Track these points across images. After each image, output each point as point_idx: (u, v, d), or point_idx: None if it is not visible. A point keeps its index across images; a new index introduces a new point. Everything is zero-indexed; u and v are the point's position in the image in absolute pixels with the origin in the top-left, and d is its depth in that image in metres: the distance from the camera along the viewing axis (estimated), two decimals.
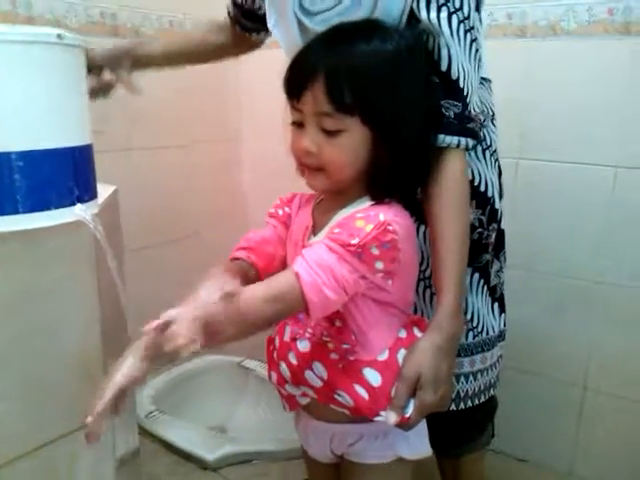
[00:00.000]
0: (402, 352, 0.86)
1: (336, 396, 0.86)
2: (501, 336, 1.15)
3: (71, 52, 0.76)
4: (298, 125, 0.82)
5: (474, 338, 1.08)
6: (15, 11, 1.35)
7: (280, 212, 0.97)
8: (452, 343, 0.87)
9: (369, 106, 0.77)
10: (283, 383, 0.93)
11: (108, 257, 0.78)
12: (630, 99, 1.42)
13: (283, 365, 0.91)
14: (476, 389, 1.10)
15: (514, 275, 1.57)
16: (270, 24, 1.00)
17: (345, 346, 0.85)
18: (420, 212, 0.95)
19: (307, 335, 0.88)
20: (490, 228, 1.08)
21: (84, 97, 0.80)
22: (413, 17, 0.87)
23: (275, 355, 0.93)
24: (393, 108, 0.79)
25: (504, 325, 1.15)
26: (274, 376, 0.95)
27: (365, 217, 0.78)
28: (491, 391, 1.14)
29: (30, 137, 0.72)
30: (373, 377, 0.84)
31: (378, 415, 0.84)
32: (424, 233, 1.01)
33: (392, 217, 0.78)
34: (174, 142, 1.78)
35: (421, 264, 1.02)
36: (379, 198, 0.84)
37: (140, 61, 1.19)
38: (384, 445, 0.91)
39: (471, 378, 1.09)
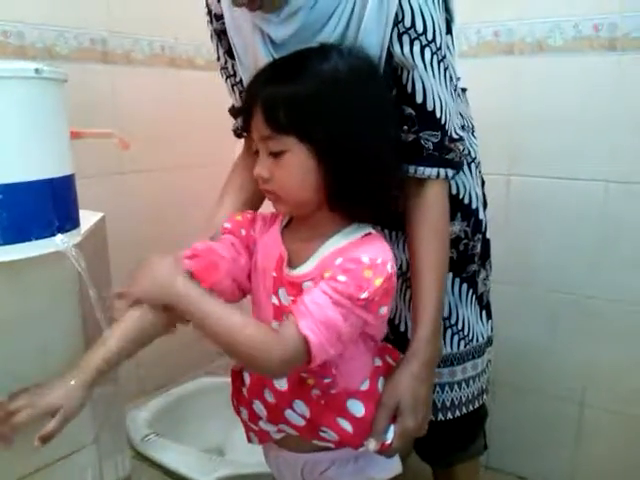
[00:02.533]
0: (382, 380, 0.87)
1: (320, 433, 0.85)
2: (489, 342, 1.17)
3: (50, 85, 0.77)
4: (256, 154, 0.83)
5: (465, 347, 1.10)
6: (6, 41, 1.37)
7: (243, 232, 0.90)
8: (429, 369, 0.89)
9: (301, 123, 0.77)
10: (256, 420, 0.90)
11: (89, 287, 0.78)
12: (617, 114, 1.42)
13: (257, 403, 0.88)
14: (469, 395, 1.12)
15: (508, 291, 1.57)
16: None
17: (326, 380, 0.84)
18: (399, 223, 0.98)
19: None
20: (475, 239, 1.09)
21: (64, 128, 0.81)
22: (387, 52, 0.87)
23: (245, 392, 0.91)
24: (326, 125, 0.77)
25: (491, 331, 1.17)
26: (244, 412, 0.92)
27: (372, 266, 0.76)
28: (483, 397, 1.16)
29: (9, 170, 0.73)
30: (357, 408, 0.84)
31: (362, 445, 0.84)
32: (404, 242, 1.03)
33: (390, 257, 0.79)
34: (167, 165, 1.78)
35: (401, 268, 1.05)
36: (364, 220, 0.84)
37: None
38: (355, 469, 0.90)
39: (464, 385, 1.11)
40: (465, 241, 1.07)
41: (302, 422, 0.85)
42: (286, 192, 0.81)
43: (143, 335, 0.82)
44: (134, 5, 1.63)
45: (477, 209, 1.09)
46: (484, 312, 1.15)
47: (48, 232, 0.77)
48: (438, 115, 0.89)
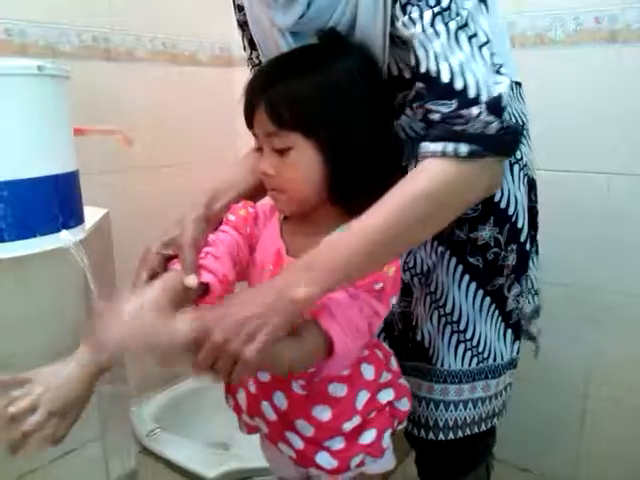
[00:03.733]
0: (364, 365, 0.86)
1: (287, 433, 0.85)
2: (512, 364, 1.06)
3: (52, 82, 0.78)
4: (259, 150, 0.82)
5: (478, 364, 1.00)
6: (9, 39, 1.37)
7: (247, 230, 0.88)
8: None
9: (307, 119, 0.77)
10: (240, 411, 0.92)
11: (91, 282, 0.79)
12: (619, 106, 1.42)
13: (241, 392, 0.89)
14: (476, 417, 1.03)
15: None
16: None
17: (311, 370, 0.82)
18: None
19: None
20: (508, 249, 0.98)
21: (67, 125, 0.82)
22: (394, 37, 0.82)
23: None
24: (332, 121, 0.78)
25: (517, 353, 1.05)
26: (231, 402, 0.94)
27: None
28: (493, 420, 1.06)
29: (13, 167, 0.74)
30: (339, 390, 0.84)
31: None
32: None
33: None
34: (171, 161, 1.79)
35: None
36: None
37: None
38: None
39: (470, 405, 1.02)
40: (495, 250, 0.97)
41: (274, 417, 0.86)
42: (292, 188, 0.81)
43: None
44: (136, 2, 1.64)
45: (515, 215, 0.98)
46: (510, 331, 1.03)
47: (52, 228, 0.78)
48: (445, 79, 0.73)
